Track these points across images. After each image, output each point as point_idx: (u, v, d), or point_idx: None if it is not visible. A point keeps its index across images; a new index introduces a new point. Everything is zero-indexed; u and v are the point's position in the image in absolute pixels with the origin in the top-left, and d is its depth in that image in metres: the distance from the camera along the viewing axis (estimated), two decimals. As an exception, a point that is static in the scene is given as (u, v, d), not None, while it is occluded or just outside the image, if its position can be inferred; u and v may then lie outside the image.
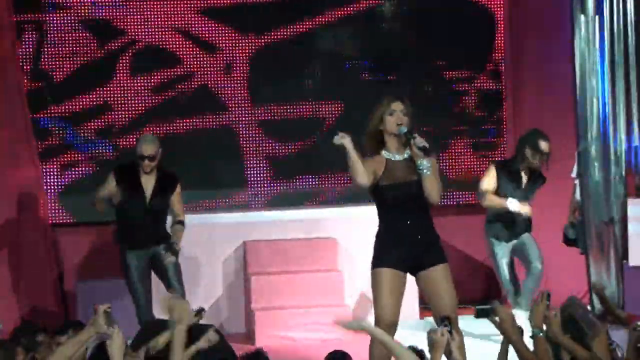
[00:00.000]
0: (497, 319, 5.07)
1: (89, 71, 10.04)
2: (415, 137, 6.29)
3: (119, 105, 10.11)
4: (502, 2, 10.51)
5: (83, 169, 10.10)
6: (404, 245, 6.42)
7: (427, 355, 5.04)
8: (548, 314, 5.12)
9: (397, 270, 6.41)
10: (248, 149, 10.35)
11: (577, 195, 9.44)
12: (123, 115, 10.14)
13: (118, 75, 10.09)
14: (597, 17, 9.25)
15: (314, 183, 10.26)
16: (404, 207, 6.42)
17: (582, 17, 9.27)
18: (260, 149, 10.36)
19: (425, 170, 6.31)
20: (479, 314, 5.23)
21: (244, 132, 10.35)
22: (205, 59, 10.21)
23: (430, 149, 6.34)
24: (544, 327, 5.23)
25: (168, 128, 10.20)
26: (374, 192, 6.46)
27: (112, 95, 10.13)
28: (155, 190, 8.28)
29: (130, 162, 8.39)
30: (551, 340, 5.15)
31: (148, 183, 8.29)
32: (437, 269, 6.45)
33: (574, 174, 9.50)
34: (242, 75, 10.27)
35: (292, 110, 10.41)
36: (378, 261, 6.47)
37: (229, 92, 10.29)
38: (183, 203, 8.54)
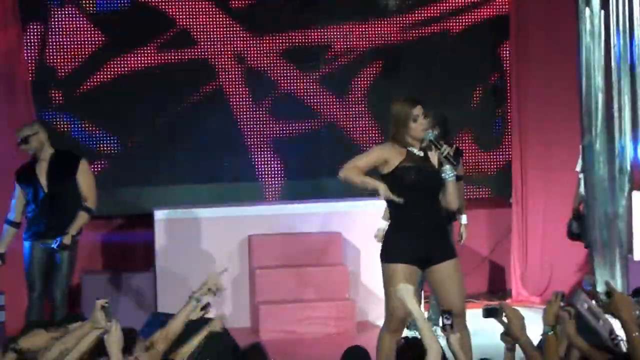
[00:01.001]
0: (505, 319, 5.02)
1: (94, 66, 10.08)
2: (442, 146, 6.39)
3: (125, 99, 10.14)
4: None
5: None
6: (416, 236, 6.43)
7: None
8: (562, 314, 5.11)
9: (410, 265, 6.42)
10: (255, 142, 10.41)
11: (582, 190, 9.49)
12: (130, 110, 10.16)
13: (124, 68, 10.14)
14: (602, 11, 9.28)
15: (319, 177, 10.29)
16: (422, 191, 6.46)
17: (588, 10, 9.30)
18: (268, 142, 10.43)
19: (448, 177, 6.40)
20: (487, 314, 5.16)
21: (251, 126, 10.40)
22: (217, 54, 10.28)
23: (451, 155, 6.43)
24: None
25: (174, 121, 10.26)
26: (391, 175, 6.45)
27: (117, 88, 10.14)
28: (50, 175, 7.98)
29: (29, 160, 8.21)
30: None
31: (42, 170, 7.99)
32: (447, 265, 6.51)
33: (578, 168, 9.56)
34: (252, 70, 10.32)
35: (299, 105, 10.45)
36: (390, 256, 6.48)
37: (236, 85, 10.33)
38: (92, 183, 8.11)
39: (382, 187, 6.34)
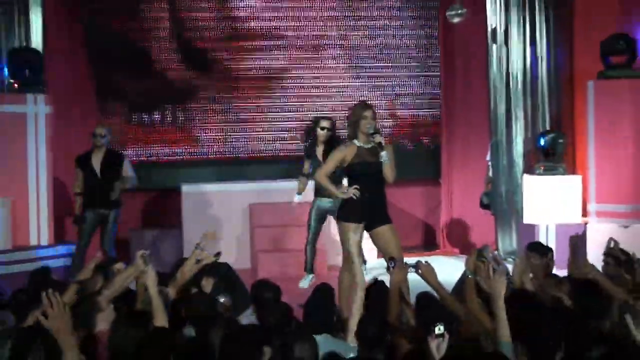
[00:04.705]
0: (420, 272, 5.56)
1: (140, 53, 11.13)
2: (375, 136, 7.35)
3: (150, 86, 11.20)
4: (438, 31, 11.41)
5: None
6: (364, 206, 7.33)
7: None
8: (477, 263, 5.50)
9: (358, 224, 7.40)
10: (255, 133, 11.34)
11: (490, 173, 10.80)
12: (150, 95, 11.20)
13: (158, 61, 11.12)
14: (504, 46, 10.56)
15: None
16: (368, 178, 7.36)
17: (494, 46, 10.56)
18: (266, 131, 11.31)
19: (384, 160, 7.37)
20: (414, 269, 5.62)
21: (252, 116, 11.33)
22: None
23: (383, 144, 7.27)
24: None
25: (186, 116, 11.31)
26: (347, 168, 7.48)
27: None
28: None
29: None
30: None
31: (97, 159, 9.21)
32: (386, 227, 7.43)
33: (488, 158, 10.85)
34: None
35: (293, 96, 11.42)
36: (346, 216, 7.38)
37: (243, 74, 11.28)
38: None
39: (339, 194, 7.35)
